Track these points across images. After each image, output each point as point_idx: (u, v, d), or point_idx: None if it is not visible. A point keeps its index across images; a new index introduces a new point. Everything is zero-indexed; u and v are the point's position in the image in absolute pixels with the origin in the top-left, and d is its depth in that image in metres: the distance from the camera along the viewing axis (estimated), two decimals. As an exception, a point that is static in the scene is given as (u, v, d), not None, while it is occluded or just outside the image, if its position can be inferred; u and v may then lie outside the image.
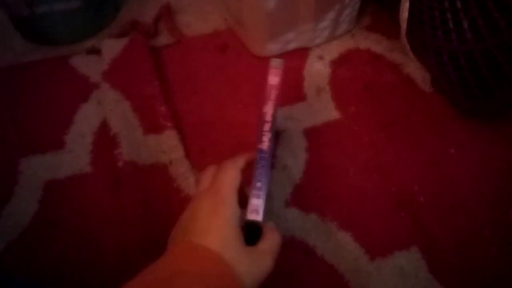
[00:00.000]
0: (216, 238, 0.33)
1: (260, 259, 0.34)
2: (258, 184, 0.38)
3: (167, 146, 0.51)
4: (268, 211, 0.42)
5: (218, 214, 0.34)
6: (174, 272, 0.30)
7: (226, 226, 0.34)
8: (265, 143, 0.40)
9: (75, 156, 0.52)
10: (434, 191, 0.48)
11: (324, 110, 0.55)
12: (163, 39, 0.63)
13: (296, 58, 0.60)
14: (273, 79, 0.42)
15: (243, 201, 0.37)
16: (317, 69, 0.58)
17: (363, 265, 0.43)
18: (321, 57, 0.60)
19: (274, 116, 0.41)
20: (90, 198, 0.49)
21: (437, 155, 0.51)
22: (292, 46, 0.59)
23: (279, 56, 0.59)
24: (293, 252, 0.45)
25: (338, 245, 0.45)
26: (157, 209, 0.47)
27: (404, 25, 0.52)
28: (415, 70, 0.57)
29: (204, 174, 0.41)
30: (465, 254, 0.44)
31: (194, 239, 0.33)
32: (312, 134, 0.53)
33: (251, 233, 0.37)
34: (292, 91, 0.57)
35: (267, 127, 0.40)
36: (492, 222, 0.46)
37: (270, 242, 0.36)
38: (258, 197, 0.38)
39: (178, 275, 0.30)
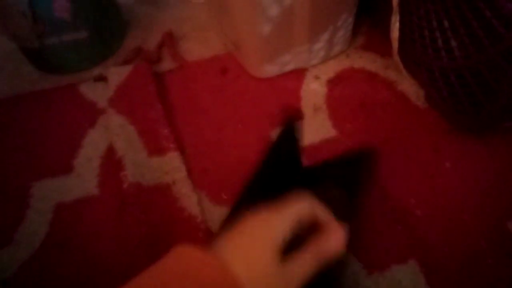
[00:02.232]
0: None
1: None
2: None
3: (170, 167, 0.53)
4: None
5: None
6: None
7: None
8: None
9: (83, 179, 0.55)
10: (431, 204, 0.49)
11: (321, 128, 0.57)
12: (166, 64, 0.66)
13: (293, 78, 0.62)
14: None
15: None
16: (314, 89, 0.60)
17: (361, 280, 0.44)
18: (317, 77, 0.62)
19: None
20: (97, 220, 0.51)
21: (432, 168, 0.52)
22: (289, 67, 0.61)
23: (277, 77, 0.61)
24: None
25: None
26: (160, 229, 0.49)
27: (395, 44, 0.54)
28: (409, 87, 0.59)
29: None
30: (463, 266, 0.45)
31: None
32: (310, 152, 0.54)
33: None
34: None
35: None
36: (488, 234, 0.46)
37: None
38: None
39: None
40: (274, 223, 0.30)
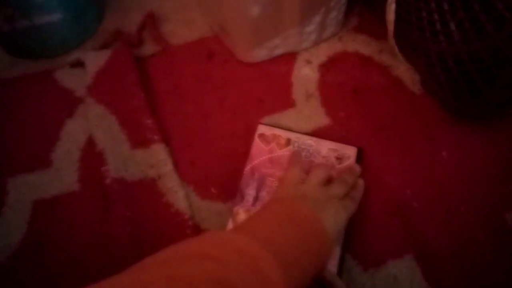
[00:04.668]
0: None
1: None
2: None
3: (155, 160, 0.51)
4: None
5: None
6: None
7: None
8: None
9: (62, 174, 0.51)
10: (427, 195, 0.48)
11: (314, 116, 0.54)
12: (148, 48, 0.61)
13: (283, 63, 0.59)
14: None
15: None
16: (306, 74, 0.58)
17: (356, 276, 0.43)
18: (309, 61, 0.59)
19: None
20: (79, 217, 0.48)
21: (428, 158, 0.50)
22: (279, 51, 0.58)
23: (266, 61, 0.58)
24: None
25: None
26: (146, 226, 0.47)
27: (391, 27, 0.52)
28: (404, 72, 0.56)
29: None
30: (460, 260, 0.44)
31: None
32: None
33: None
34: (281, 98, 0.56)
35: None
36: (485, 226, 0.45)
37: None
38: None
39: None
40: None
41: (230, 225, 0.46)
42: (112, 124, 0.53)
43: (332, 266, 0.43)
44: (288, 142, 0.51)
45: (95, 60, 0.58)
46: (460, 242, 0.45)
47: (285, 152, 0.50)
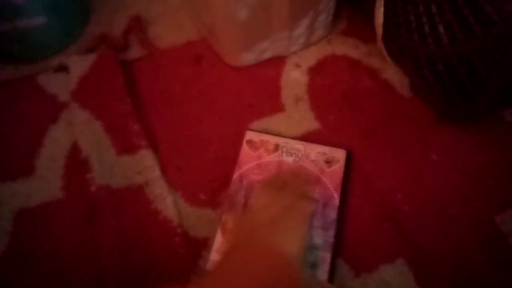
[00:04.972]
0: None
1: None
2: None
3: (142, 167, 0.50)
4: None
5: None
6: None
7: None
8: None
9: (46, 182, 0.50)
10: (418, 199, 0.48)
11: (303, 120, 0.54)
12: (134, 52, 0.60)
13: (272, 67, 0.58)
14: None
15: None
16: (295, 78, 0.57)
17: (349, 282, 0.43)
18: (298, 65, 0.58)
19: None
20: (64, 227, 0.47)
21: (419, 161, 0.50)
22: (267, 55, 0.58)
23: (255, 65, 0.57)
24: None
25: (322, 262, 0.44)
26: (133, 235, 0.46)
27: (379, 30, 0.51)
28: (393, 75, 0.56)
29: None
30: (452, 264, 0.44)
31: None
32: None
33: None
34: (270, 102, 0.55)
35: None
36: (476, 230, 0.45)
37: None
38: None
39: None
40: None
41: (219, 234, 0.45)
42: (97, 130, 0.52)
43: (323, 272, 0.42)
44: (277, 147, 0.50)
45: (79, 64, 0.57)
46: (451, 246, 0.45)
47: (273, 158, 0.50)
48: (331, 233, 0.44)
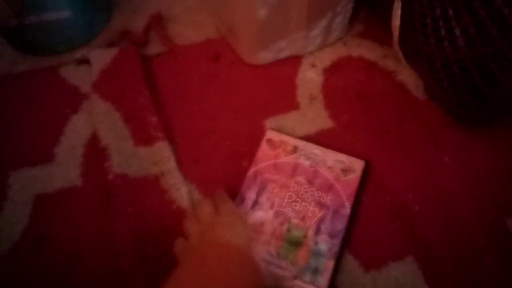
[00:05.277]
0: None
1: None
2: None
3: (158, 158, 0.51)
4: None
5: None
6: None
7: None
8: None
9: (65, 169, 0.51)
10: (429, 199, 0.48)
11: (317, 119, 0.54)
12: (154, 48, 0.62)
13: (288, 66, 0.59)
14: None
15: None
16: (310, 77, 0.58)
17: (358, 277, 0.43)
18: (313, 65, 0.59)
19: None
20: (81, 212, 0.48)
21: (431, 163, 0.50)
22: (284, 54, 0.59)
23: (271, 64, 0.59)
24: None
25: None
26: (149, 222, 0.47)
27: (396, 33, 0.52)
28: (408, 77, 0.57)
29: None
30: (461, 263, 0.44)
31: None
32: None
33: None
34: (285, 100, 0.56)
35: None
36: (487, 231, 0.45)
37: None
38: None
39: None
40: None
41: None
42: (116, 121, 0.53)
43: (325, 279, 0.42)
44: (295, 149, 0.51)
45: (101, 57, 0.59)
46: (461, 247, 0.45)
47: (290, 159, 0.50)
48: (337, 241, 0.44)
